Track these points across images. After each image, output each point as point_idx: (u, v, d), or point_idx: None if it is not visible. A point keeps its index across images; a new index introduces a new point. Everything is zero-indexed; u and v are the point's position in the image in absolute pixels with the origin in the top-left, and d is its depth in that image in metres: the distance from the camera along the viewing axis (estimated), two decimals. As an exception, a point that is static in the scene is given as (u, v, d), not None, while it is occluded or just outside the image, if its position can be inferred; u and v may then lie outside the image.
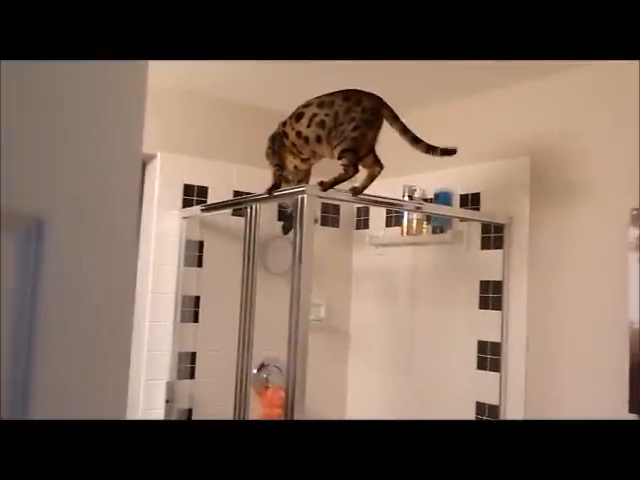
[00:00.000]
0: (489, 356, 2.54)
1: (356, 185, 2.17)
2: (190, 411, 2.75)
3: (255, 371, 2.78)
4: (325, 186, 2.08)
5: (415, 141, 2.10)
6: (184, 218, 2.76)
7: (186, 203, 2.77)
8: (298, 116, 2.19)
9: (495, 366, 2.52)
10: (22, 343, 0.59)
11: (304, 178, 2.36)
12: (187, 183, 2.79)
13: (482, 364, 2.57)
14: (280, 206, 2.61)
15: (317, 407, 2.74)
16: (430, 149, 2.09)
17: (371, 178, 2.16)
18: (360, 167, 2.11)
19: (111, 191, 0.65)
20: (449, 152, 2.08)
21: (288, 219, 2.36)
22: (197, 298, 2.79)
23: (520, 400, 2.43)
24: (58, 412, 0.60)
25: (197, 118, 2.84)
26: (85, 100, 0.63)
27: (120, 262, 0.66)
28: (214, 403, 2.76)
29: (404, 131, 2.10)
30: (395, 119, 2.10)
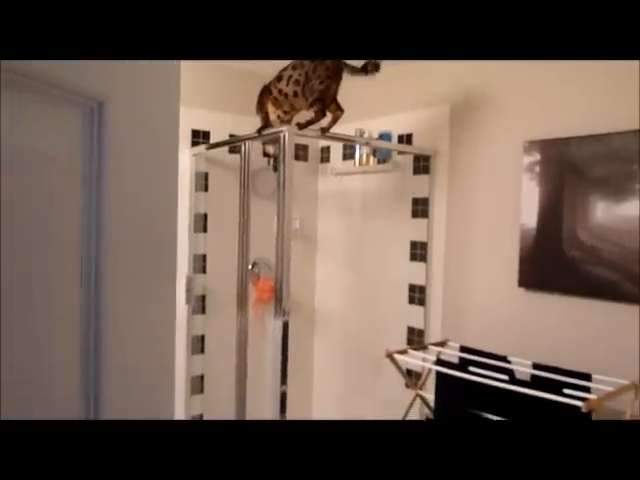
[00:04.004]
0: (419, 251, 2.58)
1: (323, 126, 2.13)
2: (204, 297, 2.75)
3: (250, 267, 2.78)
4: (301, 126, 2.05)
5: (366, 71, 2.01)
6: (193, 155, 2.68)
7: (194, 143, 2.69)
8: (278, 78, 2.13)
9: (423, 258, 2.56)
10: (92, 209, 0.52)
11: None
12: (194, 128, 2.69)
13: (414, 257, 2.61)
14: (265, 154, 2.55)
15: (294, 294, 2.77)
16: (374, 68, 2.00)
17: (335, 120, 2.13)
18: (327, 113, 2.06)
19: (155, 86, 0.60)
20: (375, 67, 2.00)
21: (276, 160, 2.33)
22: (205, 215, 2.75)
23: (440, 281, 2.50)
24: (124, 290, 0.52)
25: (202, 78, 2.71)
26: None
27: (166, 151, 0.59)
28: (221, 290, 2.77)
29: (358, 71, 2.03)
30: (352, 69, 2.04)
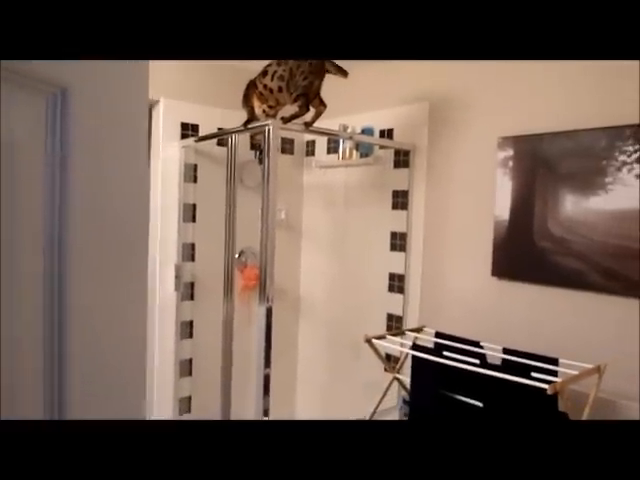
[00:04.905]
0: (398, 242, 2.58)
1: (307, 121, 2.11)
2: (192, 284, 2.72)
3: (237, 256, 2.74)
4: (285, 120, 2.02)
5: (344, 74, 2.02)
6: (182, 147, 2.64)
7: (183, 136, 2.64)
8: (264, 73, 2.09)
9: (402, 248, 2.55)
10: (55, 199, 0.47)
11: None
12: (183, 121, 2.64)
13: (394, 247, 2.60)
14: (253, 145, 2.50)
15: (280, 282, 2.75)
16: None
17: (318, 115, 2.10)
18: (310, 107, 2.03)
19: (122, 72, 0.53)
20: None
21: (262, 152, 2.29)
22: (194, 205, 2.71)
23: (418, 270, 2.49)
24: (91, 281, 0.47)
25: (191, 73, 2.67)
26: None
27: (134, 133, 0.53)
28: (209, 278, 2.74)
29: (339, 72, 2.01)
30: (336, 68, 2.00)
